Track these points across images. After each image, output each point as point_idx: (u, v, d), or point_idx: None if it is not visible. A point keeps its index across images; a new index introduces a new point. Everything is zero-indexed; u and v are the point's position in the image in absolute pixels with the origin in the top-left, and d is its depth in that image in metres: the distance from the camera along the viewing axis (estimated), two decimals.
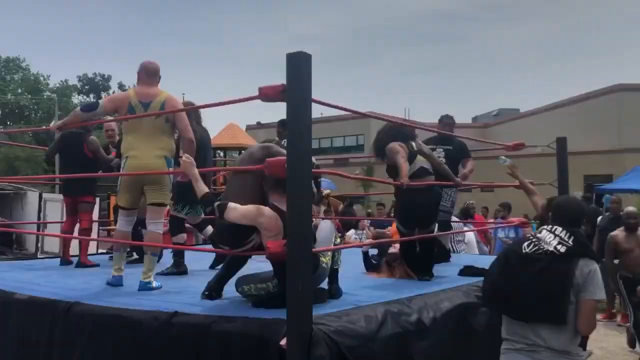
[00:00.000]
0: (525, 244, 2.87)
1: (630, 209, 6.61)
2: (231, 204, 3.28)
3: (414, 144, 4.69)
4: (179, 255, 4.98)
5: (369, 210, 12.21)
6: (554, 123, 27.91)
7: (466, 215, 9.12)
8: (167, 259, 5.31)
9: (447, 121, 5.98)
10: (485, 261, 5.22)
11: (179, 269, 4.91)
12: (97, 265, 5.59)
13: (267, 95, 2.96)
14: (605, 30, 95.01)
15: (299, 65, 2.70)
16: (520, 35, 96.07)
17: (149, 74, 4.26)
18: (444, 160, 5.64)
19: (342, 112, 4.69)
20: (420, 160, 4.65)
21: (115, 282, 4.13)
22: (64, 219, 6.08)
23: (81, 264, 5.57)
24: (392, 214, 6.54)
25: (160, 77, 4.35)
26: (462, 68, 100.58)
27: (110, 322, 3.25)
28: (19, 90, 44.30)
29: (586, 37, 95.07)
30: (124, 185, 4.24)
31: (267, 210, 3.25)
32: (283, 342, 2.60)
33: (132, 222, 4.34)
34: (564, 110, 29.69)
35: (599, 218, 8.20)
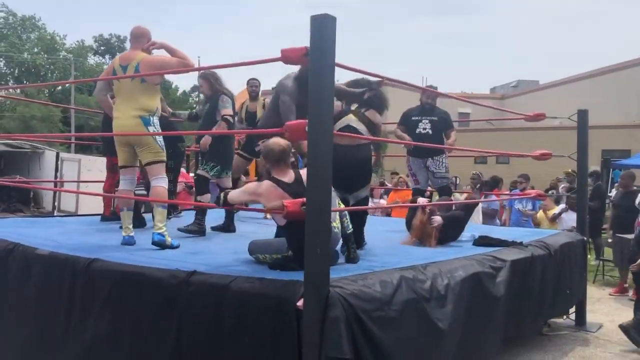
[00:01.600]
0: None
1: None
2: (230, 193, 3.59)
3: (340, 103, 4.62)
4: (200, 214, 5.03)
5: (382, 180, 12.18)
6: (573, 96, 27.47)
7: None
8: (188, 218, 5.39)
9: (431, 92, 5.95)
10: (499, 232, 5.25)
11: (199, 227, 4.96)
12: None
13: (289, 57, 2.95)
14: (628, 1, 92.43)
15: (323, 28, 2.67)
16: (541, 5, 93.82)
17: (133, 38, 4.42)
18: (430, 132, 5.71)
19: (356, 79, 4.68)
20: (350, 119, 4.43)
21: (127, 242, 4.22)
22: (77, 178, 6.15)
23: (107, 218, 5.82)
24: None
25: (148, 39, 4.42)
26: (481, 38, 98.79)
27: (130, 279, 3.31)
28: (35, 50, 44.27)
29: (609, 8, 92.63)
30: (116, 146, 4.44)
31: (264, 182, 3.41)
32: (300, 303, 2.64)
33: (132, 182, 4.52)
34: (584, 83, 29.17)
35: (613, 192, 8.15)
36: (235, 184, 5.81)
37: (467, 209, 5.08)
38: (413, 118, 5.88)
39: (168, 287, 3.11)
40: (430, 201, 5.60)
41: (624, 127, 23.17)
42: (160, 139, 4.35)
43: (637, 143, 19.65)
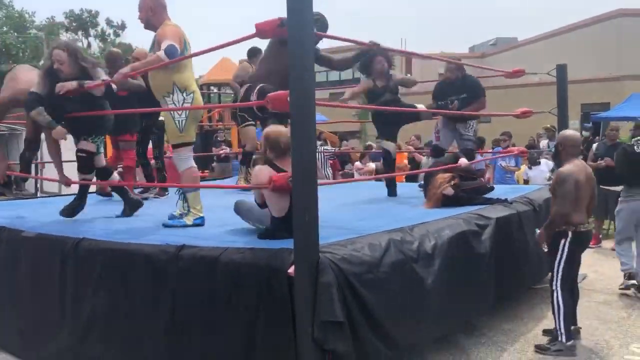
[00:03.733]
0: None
1: None
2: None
3: None
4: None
5: (369, 143, 12.20)
6: (551, 51, 27.44)
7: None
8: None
9: (454, 67, 5.72)
10: (486, 191, 5.30)
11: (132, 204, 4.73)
12: (146, 199, 5.70)
13: (264, 31, 2.92)
14: None
15: None
16: None
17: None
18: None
19: (337, 45, 4.70)
20: None
21: (201, 223, 3.97)
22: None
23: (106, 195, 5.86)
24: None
25: None
26: None
27: (119, 256, 3.32)
28: (4, 29, 43.03)
29: None
30: (194, 119, 4.07)
31: (265, 170, 3.36)
32: (291, 270, 2.68)
33: None
34: (562, 38, 29.13)
35: (594, 145, 8.23)
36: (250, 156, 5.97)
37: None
38: (446, 101, 5.65)
39: (158, 263, 3.12)
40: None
41: (602, 80, 23.31)
42: None
43: (616, 96, 19.79)
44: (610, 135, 7.66)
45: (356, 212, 4.41)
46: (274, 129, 3.55)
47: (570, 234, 3.93)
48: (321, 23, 4.67)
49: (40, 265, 3.72)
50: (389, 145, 5.76)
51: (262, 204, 3.44)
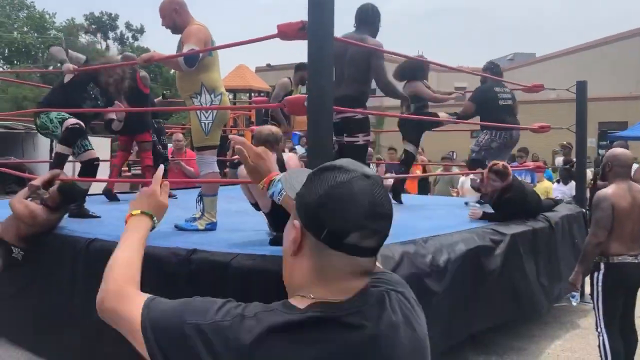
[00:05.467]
0: None
1: None
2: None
3: None
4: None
5: (378, 156, 12.17)
6: (570, 68, 27.29)
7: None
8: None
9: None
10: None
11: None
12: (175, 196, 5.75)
13: (285, 33, 2.90)
14: None
15: (321, 1, 2.62)
16: None
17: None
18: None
19: None
20: None
21: (213, 228, 3.90)
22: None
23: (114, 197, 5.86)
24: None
25: None
26: (476, 12, 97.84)
27: None
28: (25, 29, 43.67)
29: None
30: (220, 122, 3.95)
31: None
32: None
33: None
34: (581, 55, 28.98)
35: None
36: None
37: None
38: (494, 91, 5.80)
39: (168, 266, 3.09)
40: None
41: (621, 99, 23.12)
42: None
43: (634, 115, 19.61)
44: None
45: None
46: (263, 126, 3.60)
47: (602, 266, 3.42)
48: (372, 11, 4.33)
49: (52, 266, 3.71)
50: (410, 146, 5.92)
51: (255, 205, 3.45)
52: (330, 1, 2.65)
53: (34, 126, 4.73)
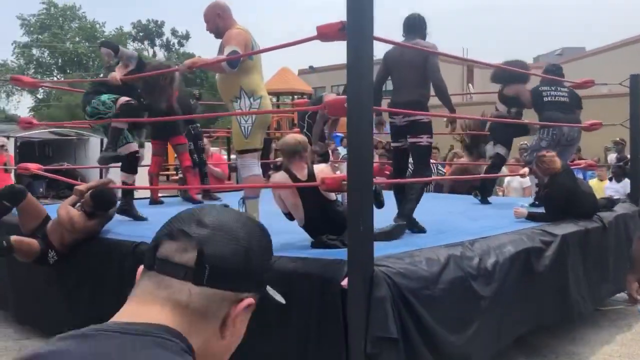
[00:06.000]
0: None
1: None
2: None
3: None
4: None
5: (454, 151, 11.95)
6: (620, 62, 26.27)
7: None
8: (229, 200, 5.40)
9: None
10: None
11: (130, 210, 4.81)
12: (202, 201, 5.88)
13: (325, 34, 2.88)
14: None
15: (360, 1, 2.58)
16: None
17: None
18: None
19: None
20: None
21: None
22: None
23: (190, 199, 5.91)
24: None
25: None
26: (522, 5, 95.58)
27: None
28: (77, 39, 45.20)
29: None
30: (261, 125, 3.97)
31: (278, 173, 3.52)
32: (344, 282, 2.60)
33: None
34: (632, 48, 27.87)
35: None
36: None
37: None
38: (539, 89, 5.73)
39: None
40: None
41: None
42: None
43: None
44: None
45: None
46: (290, 135, 3.58)
47: None
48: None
49: (101, 267, 3.80)
50: (502, 149, 5.93)
51: (288, 215, 3.45)
52: (370, 1, 2.61)
53: (84, 132, 4.85)
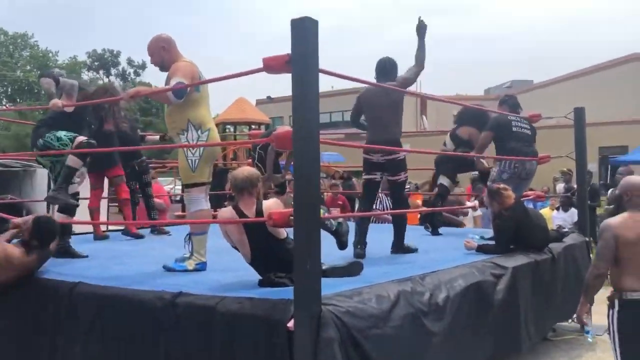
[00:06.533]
0: None
1: None
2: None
3: None
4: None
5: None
6: (567, 94, 27.38)
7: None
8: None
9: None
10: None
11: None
12: (143, 236, 5.69)
13: (271, 66, 2.83)
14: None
15: (305, 32, 2.55)
16: (532, 4, 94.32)
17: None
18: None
19: (353, 85, 4.64)
20: None
21: (203, 268, 3.78)
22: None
23: (130, 234, 5.72)
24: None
25: None
26: (472, 40, 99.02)
27: (114, 302, 3.17)
28: (28, 67, 44.22)
29: (600, 7, 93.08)
30: (208, 158, 3.88)
31: (226, 209, 3.42)
32: (290, 324, 2.50)
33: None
34: (578, 81, 29.12)
35: (609, 191, 8.02)
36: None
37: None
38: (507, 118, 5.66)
39: (153, 310, 2.96)
40: None
41: (620, 123, 23.10)
42: None
43: (634, 139, 19.55)
44: (620, 179, 7.39)
45: (368, 256, 4.22)
46: (240, 168, 3.54)
47: (616, 303, 3.15)
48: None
49: (35, 309, 3.57)
50: (446, 180, 6.04)
51: (236, 248, 3.37)
52: (314, 34, 2.58)
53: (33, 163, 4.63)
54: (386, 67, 4.63)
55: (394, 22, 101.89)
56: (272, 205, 3.23)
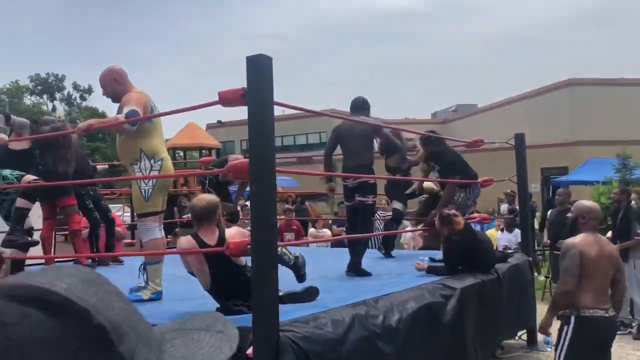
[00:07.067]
0: None
1: None
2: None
3: None
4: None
5: (336, 210, 12.21)
6: (510, 117, 28.50)
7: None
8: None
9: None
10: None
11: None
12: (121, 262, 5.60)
13: (227, 99, 2.91)
14: (555, 27, 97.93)
15: (260, 68, 2.65)
16: (476, 31, 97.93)
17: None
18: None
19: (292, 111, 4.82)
20: None
21: (158, 297, 3.77)
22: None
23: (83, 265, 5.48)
24: None
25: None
26: (420, 65, 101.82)
27: None
28: None
29: (539, 33, 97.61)
30: (162, 188, 3.92)
31: (184, 238, 3.41)
32: (249, 351, 2.55)
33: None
34: (519, 104, 30.33)
35: (549, 212, 8.38)
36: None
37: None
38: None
39: None
40: None
41: (560, 145, 24.17)
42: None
43: (573, 160, 20.50)
44: (559, 200, 7.72)
45: (319, 283, 4.30)
46: (198, 197, 3.59)
47: (572, 319, 3.29)
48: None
49: None
50: (399, 205, 6.22)
51: (192, 273, 3.41)
52: (269, 67, 2.68)
53: None
54: (359, 104, 5.21)
55: (341, 49, 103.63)
56: (235, 234, 3.26)
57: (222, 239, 3.22)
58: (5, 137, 4.28)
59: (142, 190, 3.79)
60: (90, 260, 5.83)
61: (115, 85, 3.91)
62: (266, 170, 2.65)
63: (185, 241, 3.34)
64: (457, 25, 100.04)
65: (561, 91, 27.63)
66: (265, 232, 2.64)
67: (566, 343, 3.28)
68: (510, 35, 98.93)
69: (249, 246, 2.75)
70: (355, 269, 4.71)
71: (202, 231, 3.32)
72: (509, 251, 5.68)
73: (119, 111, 3.83)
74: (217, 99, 2.94)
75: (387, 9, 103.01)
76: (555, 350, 3.44)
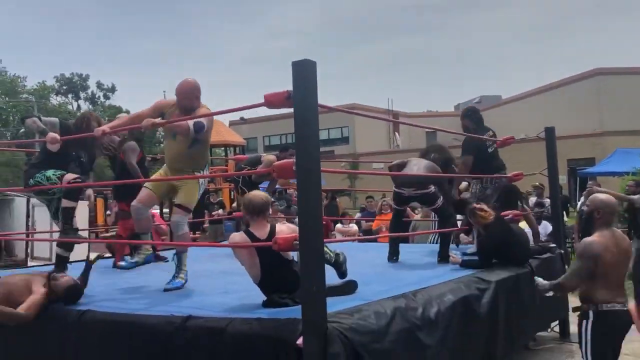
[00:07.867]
0: None
1: None
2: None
3: None
4: None
5: (362, 205, 12.31)
6: (535, 108, 28.20)
7: None
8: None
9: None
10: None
11: None
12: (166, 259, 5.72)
13: (272, 102, 3.04)
14: (583, 15, 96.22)
15: (305, 73, 2.77)
16: (499, 21, 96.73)
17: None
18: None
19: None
20: None
21: (180, 285, 4.19)
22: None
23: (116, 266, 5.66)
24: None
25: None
26: (442, 57, 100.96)
27: (123, 328, 3.29)
28: None
29: (565, 22, 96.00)
30: None
31: (237, 234, 3.56)
32: (299, 341, 2.68)
33: None
34: (545, 95, 30.01)
35: (581, 200, 8.34)
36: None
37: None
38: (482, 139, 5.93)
39: (164, 334, 3.10)
40: None
41: (587, 136, 23.88)
42: None
43: (601, 151, 20.28)
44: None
45: (357, 276, 4.42)
46: (253, 193, 3.78)
47: (591, 314, 3.35)
48: None
49: (41, 340, 3.67)
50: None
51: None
52: (313, 73, 2.80)
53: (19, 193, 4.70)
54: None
55: (361, 43, 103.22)
56: (284, 229, 3.39)
57: (272, 234, 3.35)
58: (57, 136, 4.42)
59: (199, 192, 4.39)
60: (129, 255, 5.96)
61: (195, 101, 4.26)
62: (312, 170, 2.77)
63: (238, 237, 3.46)
64: (478, 14, 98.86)
65: (588, 81, 27.24)
66: (312, 230, 2.76)
67: (589, 337, 3.35)
68: (534, 25, 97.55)
69: (296, 242, 2.89)
70: (445, 257, 5.08)
71: (254, 226, 3.45)
72: (552, 245, 5.68)
73: (187, 114, 4.16)
74: (262, 99, 3.07)
75: (410, 1, 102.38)
76: (580, 346, 3.49)
